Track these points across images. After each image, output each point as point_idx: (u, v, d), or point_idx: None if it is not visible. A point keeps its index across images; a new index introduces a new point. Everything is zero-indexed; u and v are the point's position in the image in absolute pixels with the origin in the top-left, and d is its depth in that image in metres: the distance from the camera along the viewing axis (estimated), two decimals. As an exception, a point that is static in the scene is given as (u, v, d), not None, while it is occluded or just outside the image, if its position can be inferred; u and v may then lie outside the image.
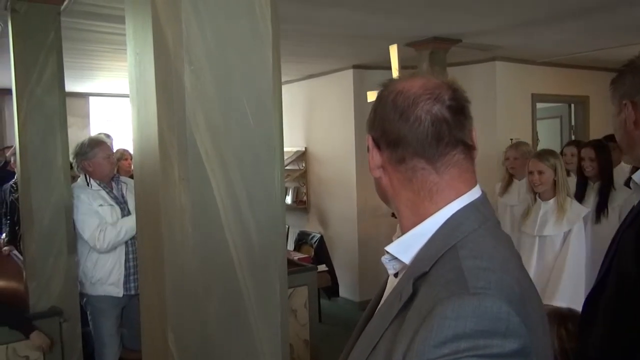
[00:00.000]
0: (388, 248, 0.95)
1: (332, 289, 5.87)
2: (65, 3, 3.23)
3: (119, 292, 3.35)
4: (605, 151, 3.80)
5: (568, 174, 4.41)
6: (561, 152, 4.67)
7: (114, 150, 4.50)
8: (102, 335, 3.41)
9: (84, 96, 7.34)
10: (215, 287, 1.35)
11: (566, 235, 3.11)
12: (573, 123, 6.88)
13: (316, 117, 6.74)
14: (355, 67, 6.05)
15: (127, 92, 1.55)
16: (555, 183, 3.17)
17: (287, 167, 6.79)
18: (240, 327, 1.38)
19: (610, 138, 4.40)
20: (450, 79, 0.95)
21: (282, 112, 1.49)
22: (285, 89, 5.46)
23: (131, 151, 1.62)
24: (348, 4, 3.67)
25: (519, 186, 4.03)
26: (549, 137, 6.77)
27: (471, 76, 5.71)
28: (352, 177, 6.16)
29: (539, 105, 6.36)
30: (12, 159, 4.83)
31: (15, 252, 4.22)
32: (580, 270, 3.07)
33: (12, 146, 4.96)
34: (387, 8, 3.82)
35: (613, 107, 1.39)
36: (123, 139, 6.52)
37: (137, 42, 1.44)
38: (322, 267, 5.24)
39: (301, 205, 7.04)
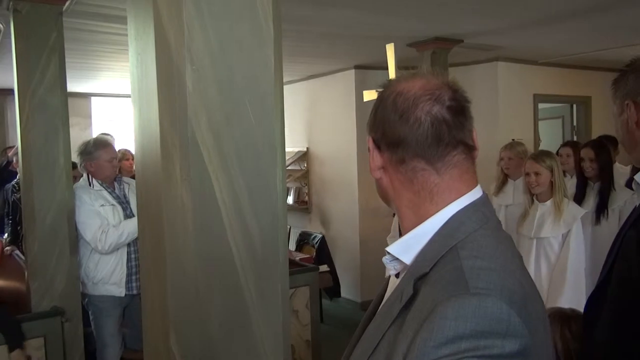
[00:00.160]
0: (389, 249, 0.95)
1: (333, 290, 5.87)
2: (67, 3, 3.23)
3: (121, 291, 3.36)
4: (605, 151, 3.78)
5: (564, 175, 4.40)
6: (557, 153, 4.66)
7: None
8: (104, 335, 3.41)
9: (86, 96, 7.35)
10: (216, 287, 1.35)
11: (565, 237, 3.08)
12: (575, 123, 6.87)
13: (318, 118, 6.74)
14: (356, 67, 6.05)
15: (129, 92, 1.55)
16: (552, 184, 3.15)
17: (288, 168, 6.80)
18: (241, 328, 1.38)
19: (607, 138, 4.40)
20: (450, 79, 0.95)
21: (284, 112, 1.49)
22: (287, 89, 5.46)
23: (133, 151, 1.62)
24: (350, 4, 3.67)
25: (514, 186, 4.02)
26: (551, 137, 6.76)
27: (473, 76, 5.71)
28: (354, 177, 6.16)
29: (541, 106, 6.36)
30: (14, 159, 4.85)
31: (18, 252, 4.23)
32: (581, 271, 3.06)
33: (14, 146, 4.97)
34: (388, 8, 3.82)
35: (615, 108, 1.39)
36: (125, 139, 6.53)
37: (139, 42, 1.44)
38: (324, 268, 5.24)
39: (303, 205, 7.04)
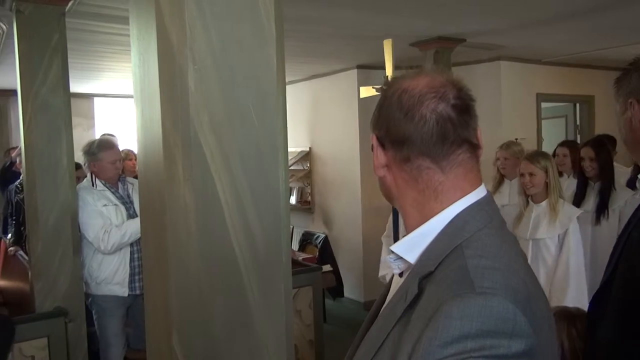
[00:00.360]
0: (393, 247, 0.94)
1: (336, 289, 5.87)
2: (69, 4, 3.24)
3: (124, 291, 3.36)
4: (604, 150, 3.74)
5: (561, 175, 4.38)
6: (553, 153, 4.64)
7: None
8: (107, 335, 3.42)
9: (89, 97, 7.36)
10: (219, 287, 1.35)
11: (561, 238, 3.04)
12: (578, 122, 6.85)
13: (320, 117, 6.73)
14: (359, 67, 6.05)
15: (132, 92, 1.55)
16: (547, 185, 3.10)
17: (291, 168, 6.80)
18: (244, 327, 1.38)
19: (606, 137, 4.38)
20: (455, 77, 0.94)
21: (286, 112, 1.49)
22: (289, 89, 5.46)
23: (136, 151, 1.62)
24: (352, 4, 3.67)
25: (510, 186, 4.00)
26: (554, 136, 6.75)
27: (476, 76, 5.70)
28: (357, 177, 6.16)
29: (544, 105, 6.34)
30: (17, 160, 4.86)
31: (21, 252, 4.24)
32: (582, 271, 3.02)
33: (17, 147, 4.98)
34: (391, 8, 3.81)
35: (618, 106, 1.39)
36: (128, 139, 6.54)
37: (141, 42, 1.44)
38: (327, 268, 5.23)
39: (305, 205, 7.04)
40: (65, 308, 3.14)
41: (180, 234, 1.34)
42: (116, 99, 7.60)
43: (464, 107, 0.91)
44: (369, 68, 6.01)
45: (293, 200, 7.08)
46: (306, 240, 6.26)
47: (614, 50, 5.49)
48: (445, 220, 0.89)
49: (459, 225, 0.88)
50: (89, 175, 3.47)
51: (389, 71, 4.07)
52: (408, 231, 0.95)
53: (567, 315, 1.62)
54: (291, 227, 5.91)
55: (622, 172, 4.13)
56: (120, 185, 3.52)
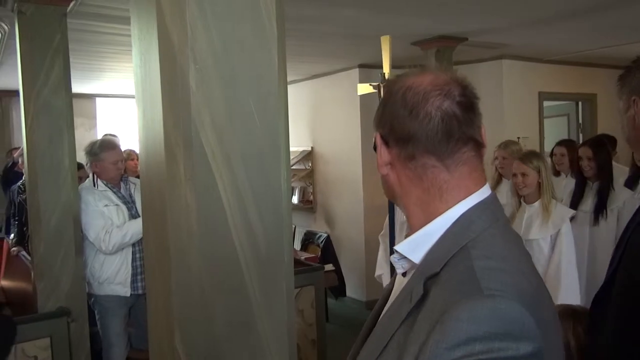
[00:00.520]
0: (397, 247, 0.93)
1: (338, 289, 5.86)
2: (71, 5, 3.24)
3: (126, 291, 3.37)
4: (603, 150, 3.71)
5: (558, 174, 4.36)
6: (551, 153, 4.61)
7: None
8: (109, 334, 3.42)
9: (91, 97, 7.37)
10: (221, 287, 1.34)
11: (553, 238, 3.01)
12: (580, 121, 6.84)
13: (322, 117, 6.73)
14: (360, 66, 6.04)
15: (133, 92, 1.55)
16: (539, 185, 3.06)
17: (293, 167, 6.80)
18: (246, 327, 1.38)
19: (606, 137, 4.36)
20: (459, 75, 0.93)
21: (288, 112, 1.48)
22: (291, 88, 5.46)
23: (137, 151, 1.62)
24: (353, 3, 3.66)
25: (509, 186, 3.98)
26: (556, 135, 6.74)
27: (478, 75, 5.69)
28: (359, 176, 6.15)
29: (546, 104, 6.33)
30: (19, 160, 4.86)
31: (24, 252, 4.25)
32: (573, 271, 2.98)
33: (20, 147, 4.99)
34: (392, 7, 3.81)
35: (621, 104, 1.38)
36: (129, 140, 6.55)
37: (143, 42, 1.44)
38: (329, 267, 5.24)
39: (308, 205, 7.04)
40: (68, 308, 3.14)
41: (182, 233, 1.33)
42: (118, 99, 7.61)
43: (469, 105, 0.90)
44: (371, 67, 6.00)
45: (295, 199, 7.08)
46: (308, 239, 6.26)
47: (617, 48, 5.48)
48: (451, 220, 0.89)
49: (465, 225, 0.87)
50: (90, 175, 3.47)
51: (386, 68, 4.04)
52: (412, 230, 0.94)
53: (572, 314, 1.61)
54: (293, 226, 5.92)
55: (621, 171, 4.11)
56: (122, 185, 3.52)
